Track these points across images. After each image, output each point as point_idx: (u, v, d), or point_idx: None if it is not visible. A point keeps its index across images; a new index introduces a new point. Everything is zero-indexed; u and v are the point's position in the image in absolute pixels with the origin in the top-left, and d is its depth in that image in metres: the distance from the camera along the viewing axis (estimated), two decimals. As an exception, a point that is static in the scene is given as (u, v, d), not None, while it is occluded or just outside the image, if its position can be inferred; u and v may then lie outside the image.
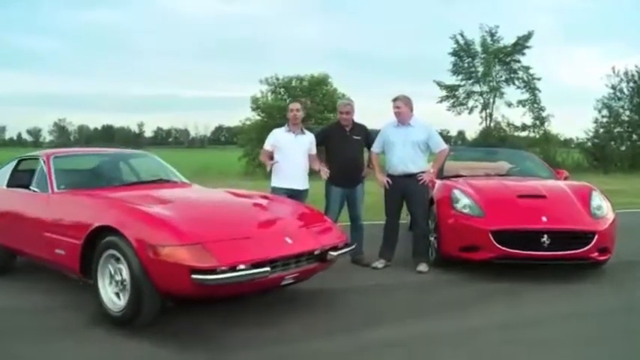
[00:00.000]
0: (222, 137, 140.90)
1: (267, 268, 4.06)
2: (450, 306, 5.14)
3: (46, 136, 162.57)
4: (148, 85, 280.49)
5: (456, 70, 36.16)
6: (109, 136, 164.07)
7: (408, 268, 6.47)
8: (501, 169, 8.23)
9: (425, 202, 6.50)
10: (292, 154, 6.35)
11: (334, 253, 4.68)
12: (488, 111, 36.30)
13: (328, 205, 6.68)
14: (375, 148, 6.65)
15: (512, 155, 9.30)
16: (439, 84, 36.43)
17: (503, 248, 5.84)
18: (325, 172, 6.60)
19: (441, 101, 36.53)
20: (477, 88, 36.12)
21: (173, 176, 6.28)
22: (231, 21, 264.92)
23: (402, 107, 6.41)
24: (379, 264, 6.56)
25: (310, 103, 30.80)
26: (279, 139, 6.47)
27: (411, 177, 6.38)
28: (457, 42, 35.65)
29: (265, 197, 5.52)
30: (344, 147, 6.59)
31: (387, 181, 6.49)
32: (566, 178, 7.85)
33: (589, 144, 36.16)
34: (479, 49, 35.41)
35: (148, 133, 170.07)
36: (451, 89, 36.29)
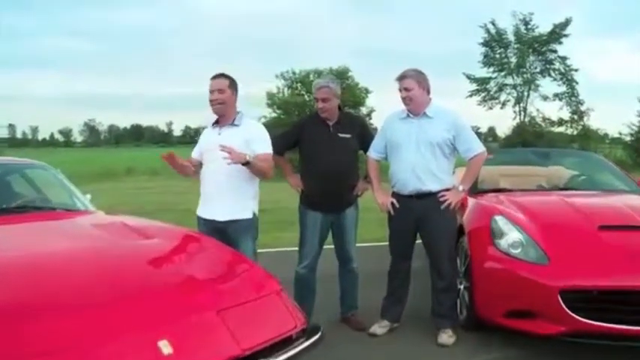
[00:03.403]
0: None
1: None
2: None
3: (77, 136, 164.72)
4: (177, 84, 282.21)
5: (487, 62, 33.76)
6: (138, 135, 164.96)
7: (425, 333, 4.22)
8: (558, 178, 5.86)
9: (450, 235, 4.19)
10: (212, 159, 3.88)
11: None
12: (522, 105, 33.92)
13: (303, 239, 4.42)
14: (374, 151, 4.36)
15: (572, 157, 6.91)
16: (469, 77, 34.05)
17: (582, 319, 3.49)
18: (297, 185, 4.45)
19: (470, 95, 34.22)
20: (509, 80, 33.74)
21: (67, 199, 4.16)
22: (259, 20, 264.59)
23: (415, 89, 4.10)
24: (380, 328, 4.28)
25: None
26: (202, 139, 4.16)
27: (429, 197, 4.08)
28: (488, 31, 33.19)
29: (172, 238, 3.29)
30: (325, 150, 4.30)
31: (392, 204, 4.21)
32: (652, 191, 5.45)
33: (631, 139, 33.46)
34: (512, 38, 32.92)
35: (177, 132, 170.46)
36: (482, 82, 33.93)
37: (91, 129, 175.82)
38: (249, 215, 3.96)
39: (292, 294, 4.38)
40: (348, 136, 4.36)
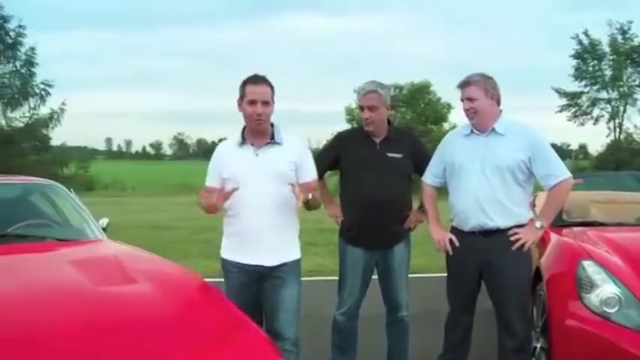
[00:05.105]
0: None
1: None
2: None
3: (167, 149, 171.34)
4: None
5: (578, 75, 31.84)
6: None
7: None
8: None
9: (523, 284, 3.30)
10: (250, 189, 3.01)
11: None
12: (617, 120, 31.70)
13: (342, 281, 3.67)
14: (431, 175, 3.55)
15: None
16: (558, 91, 32.24)
17: None
18: (335, 215, 3.70)
19: (560, 111, 32.37)
20: (603, 94, 31.65)
21: (71, 223, 3.69)
22: (340, 37, 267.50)
23: (480, 98, 3.27)
24: (434, 394, 3.46)
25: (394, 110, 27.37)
26: (226, 162, 3.16)
27: (496, 235, 3.23)
28: (580, 42, 31.28)
29: (163, 284, 2.63)
30: (369, 172, 3.54)
31: (451, 241, 3.39)
32: None
33: None
34: (607, 49, 30.83)
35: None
36: (572, 97, 32.04)
37: (179, 142, 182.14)
38: (297, 255, 3.21)
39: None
40: (398, 155, 3.58)
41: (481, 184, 3.23)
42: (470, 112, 3.31)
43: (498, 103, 3.32)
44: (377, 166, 3.55)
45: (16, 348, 1.93)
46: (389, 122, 3.67)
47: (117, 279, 2.65)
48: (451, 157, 3.40)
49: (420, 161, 3.63)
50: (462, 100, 3.34)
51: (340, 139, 3.84)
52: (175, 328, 2.22)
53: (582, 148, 55.06)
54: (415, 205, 3.72)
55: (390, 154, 3.57)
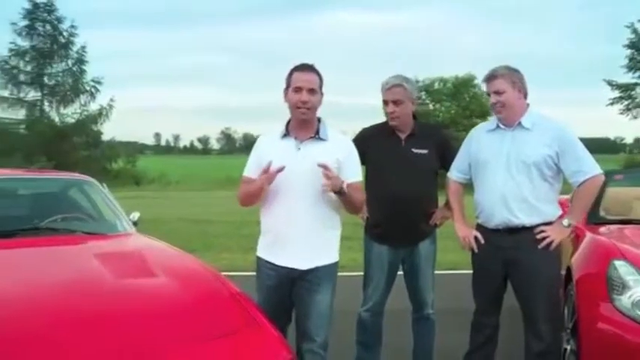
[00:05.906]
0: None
1: None
2: None
3: (214, 144, 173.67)
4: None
5: (632, 66, 30.70)
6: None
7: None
8: None
9: (550, 284, 3.18)
10: (290, 185, 2.88)
11: None
12: (674, 114, 30.52)
13: (367, 278, 3.63)
14: (456, 171, 3.47)
15: None
16: (610, 83, 31.17)
17: None
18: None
19: (611, 103, 31.27)
20: (659, 86, 30.40)
21: (103, 217, 3.82)
22: (383, 31, 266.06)
23: (508, 91, 3.18)
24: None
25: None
26: (266, 154, 2.98)
27: (522, 233, 3.14)
28: (635, 31, 30.13)
29: (182, 279, 2.69)
30: (394, 169, 3.49)
31: (476, 238, 3.31)
32: None
33: None
34: (664, 38, 29.70)
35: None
36: (625, 89, 30.90)
37: (227, 137, 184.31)
38: (335, 259, 3.02)
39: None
40: (424, 151, 3.51)
41: (506, 180, 3.14)
42: (497, 106, 3.22)
43: (525, 96, 3.23)
44: (402, 162, 3.49)
45: (23, 341, 1.99)
46: (414, 117, 3.61)
47: (137, 272, 2.71)
48: (476, 152, 3.32)
49: (446, 157, 3.55)
50: (489, 94, 3.26)
51: (365, 135, 3.76)
52: (184, 321, 2.26)
53: (637, 141, 53.03)
54: (441, 201, 3.65)
55: (415, 150, 3.50)
